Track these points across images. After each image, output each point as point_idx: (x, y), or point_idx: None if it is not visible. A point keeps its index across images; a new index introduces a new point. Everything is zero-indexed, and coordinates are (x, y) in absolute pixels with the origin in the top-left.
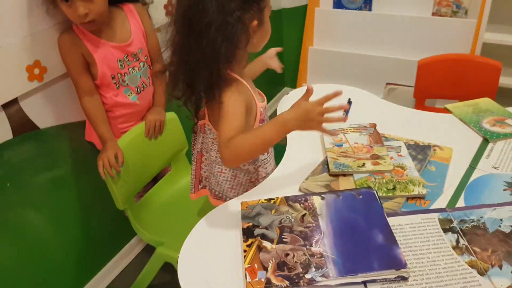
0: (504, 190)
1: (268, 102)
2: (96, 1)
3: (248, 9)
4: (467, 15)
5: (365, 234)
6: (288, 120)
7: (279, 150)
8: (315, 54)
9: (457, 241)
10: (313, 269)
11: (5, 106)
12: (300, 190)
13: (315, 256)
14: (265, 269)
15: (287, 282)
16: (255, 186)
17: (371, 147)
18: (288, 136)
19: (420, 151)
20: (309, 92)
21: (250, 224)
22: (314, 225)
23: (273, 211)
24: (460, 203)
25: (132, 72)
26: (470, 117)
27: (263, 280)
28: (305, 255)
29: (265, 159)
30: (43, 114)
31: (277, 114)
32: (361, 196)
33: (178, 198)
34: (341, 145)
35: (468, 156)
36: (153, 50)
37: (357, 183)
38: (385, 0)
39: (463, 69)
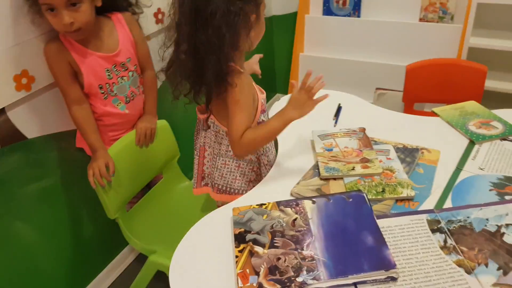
0: (490, 190)
1: None
2: (82, 10)
3: (248, 1)
4: (453, 20)
5: (355, 236)
6: (287, 112)
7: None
8: (305, 61)
9: (445, 241)
10: (305, 272)
11: None
12: (291, 194)
13: (306, 260)
14: (257, 273)
15: (278, 286)
16: (257, 174)
17: (361, 151)
18: (279, 141)
19: (408, 154)
20: (307, 75)
21: (242, 229)
22: (305, 229)
23: (264, 216)
24: (448, 204)
25: (121, 82)
26: (456, 120)
27: (255, 284)
28: (297, 258)
29: (266, 147)
30: (31, 124)
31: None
32: (351, 199)
33: (170, 206)
34: (332, 150)
35: (455, 158)
36: (143, 59)
37: (347, 186)
38: (374, 7)
39: (450, 73)
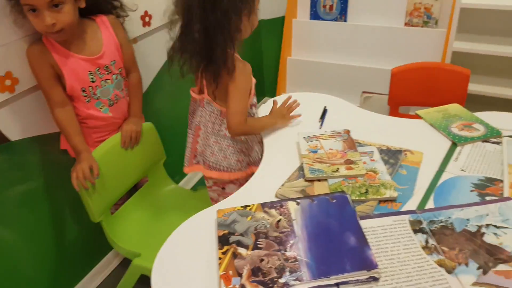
0: (471, 191)
1: None
2: (64, 11)
3: None
4: (437, 25)
5: (338, 237)
6: (274, 116)
7: None
8: (293, 64)
9: (427, 241)
10: (287, 273)
11: None
12: (276, 196)
13: (290, 261)
14: (240, 275)
15: (261, 287)
16: (245, 156)
17: (345, 152)
18: (265, 143)
19: (392, 155)
20: (289, 97)
21: (226, 231)
22: (289, 230)
23: (249, 218)
24: (430, 204)
25: (104, 85)
26: (440, 122)
27: (237, 286)
28: (280, 260)
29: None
30: (14, 126)
31: None
32: (335, 200)
33: (155, 209)
34: (317, 151)
35: (437, 159)
36: (128, 61)
37: (331, 187)
38: (360, 11)
39: (434, 76)
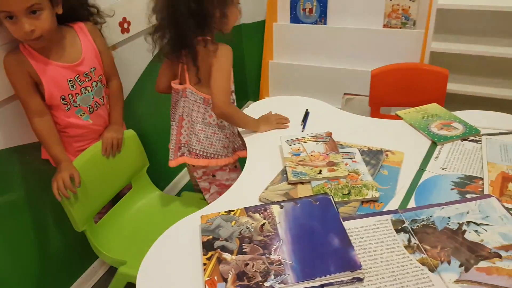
0: (452, 189)
1: None
2: (42, 17)
3: None
4: (415, 26)
5: (322, 239)
6: (259, 121)
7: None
8: (275, 68)
9: (409, 240)
10: (272, 276)
11: None
12: (260, 200)
13: (274, 264)
14: (225, 280)
15: None
16: (230, 142)
17: (327, 154)
18: (248, 148)
19: (373, 156)
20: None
21: (210, 237)
22: (273, 233)
23: (233, 223)
24: (411, 204)
25: (85, 92)
26: (419, 122)
27: None
28: (264, 263)
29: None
30: None
31: None
32: (318, 203)
33: (139, 216)
34: (299, 154)
35: (418, 159)
36: (108, 68)
37: (315, 190)
38: (339, 14)
39: (413, 77)
